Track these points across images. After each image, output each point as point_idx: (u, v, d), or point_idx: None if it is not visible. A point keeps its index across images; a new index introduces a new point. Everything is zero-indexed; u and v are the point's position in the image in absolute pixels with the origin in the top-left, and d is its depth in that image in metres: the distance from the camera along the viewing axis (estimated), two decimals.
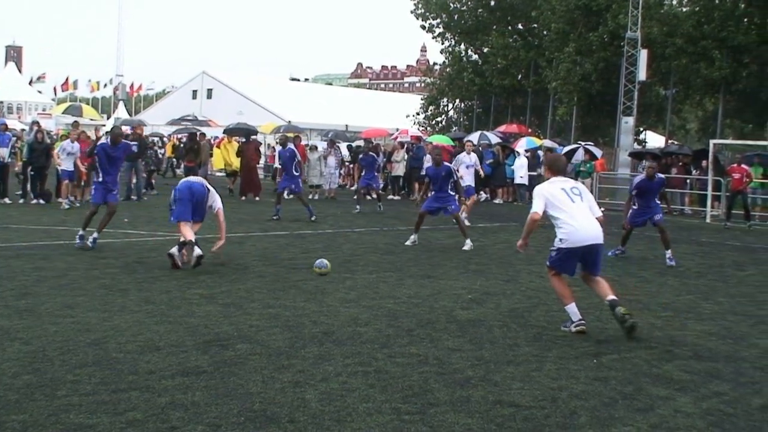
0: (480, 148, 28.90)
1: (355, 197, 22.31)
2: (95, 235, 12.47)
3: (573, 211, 7.91)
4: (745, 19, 31.81)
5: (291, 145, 19.54)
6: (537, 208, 8.03)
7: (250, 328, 7.51)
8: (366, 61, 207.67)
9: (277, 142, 28.54)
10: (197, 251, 10.74)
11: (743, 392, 6.10)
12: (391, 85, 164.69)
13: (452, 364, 6.52)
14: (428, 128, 44.01)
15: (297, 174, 18.95)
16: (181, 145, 32.84)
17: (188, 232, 10.86)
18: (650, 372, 6.55)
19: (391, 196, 27.25)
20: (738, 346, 7.63)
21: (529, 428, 5.11)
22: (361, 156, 23.02)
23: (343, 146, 32.57)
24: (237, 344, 6.88)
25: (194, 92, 62.12)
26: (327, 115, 50.95)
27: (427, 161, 28.14)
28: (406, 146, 30.01)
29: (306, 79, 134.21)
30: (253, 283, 9.97)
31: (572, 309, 7.91)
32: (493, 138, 32.04)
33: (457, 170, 18.18)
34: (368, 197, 23.76)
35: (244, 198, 24.42)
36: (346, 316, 8.19)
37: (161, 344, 6.81)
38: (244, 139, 27.33)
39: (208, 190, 11.39)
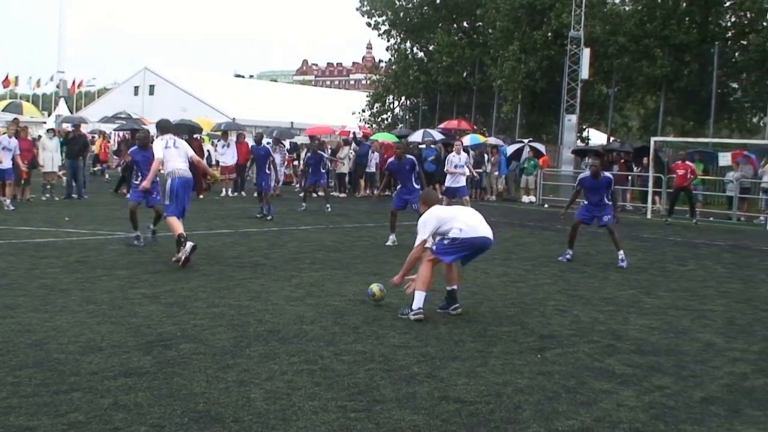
0: (424, 146, 29.12)
1: (302, 194, 22.27)
2: (152, 226, 13.29)
3: (465, 216, 8.54)
4: (687, 18, 32.35)
5: (266, 143, 19.73)
6: (424, 236, 8.41)
7: (193, 327, 7.43)
8: (311, 58, 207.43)
9: (219, 140, 28.39)
10: (190, 243, 11.00)
11: (685, 385, 6.20)
12: (336, 83, 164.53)
13: (398, 361, 6.53)
14: (374, 125, 44.03)
15: (269, 173, 19.17)
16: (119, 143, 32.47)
17: (179, 226, 11.31)
18: (593, 366, 6.64)
19: (335, 194, 27.18)
20: (679, 340, 7.76)
21: (474, 423, 5.14)
22: (308, 155, 22.92)
23: (287, 144, 32.48)
24: (180, 344, 6.80)
25: (136, 88, 61.28)
26: (272, 112, 50.61)
27: (374, 158, 28.38)
28: (350, 143, 30.03)
29: (251, 76, 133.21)
30: (197, 282, 9.87)
31: (421, 297, 8.23)
32: (437, 135, 32.20)
33: (446, 170, 18.33)
34: (314, 195, 23.66)
35: (201, 196, 24.17)
36: (291, 315, 8.15)
37: (103, 345, 6.71)
38: (186, 137, 27.00)
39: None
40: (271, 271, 10.88)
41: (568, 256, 13.40)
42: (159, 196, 13.04)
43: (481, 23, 41.34)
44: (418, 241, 8.41)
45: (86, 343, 6.72)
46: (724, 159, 25.47)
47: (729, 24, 33.19)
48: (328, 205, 20.96)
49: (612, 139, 35.19)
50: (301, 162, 28.53)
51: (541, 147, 31.08)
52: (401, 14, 43.51)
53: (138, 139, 14.25)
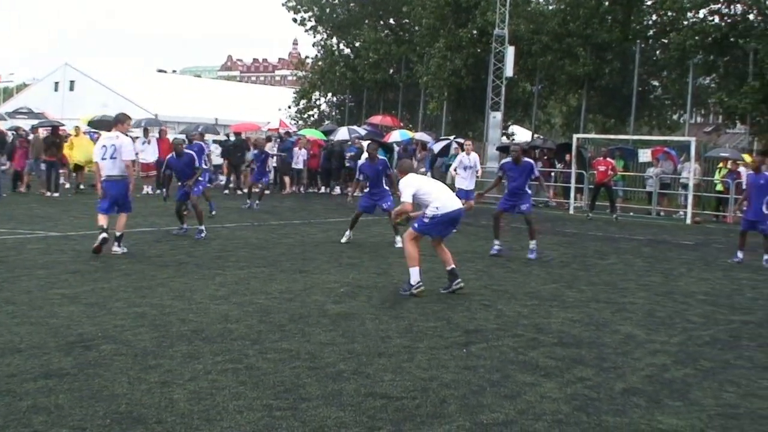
0: (349, 143, 29.16)
1: (246, 191, 22.11)
2: (200, 227, 14.35)
3: (438, 192, 9.73)
4: (609, 17, 33.00)
5: (199, 142, 19.61)
6: (407, 198, 9.56)
7: (115, 328, 7.28)
8: (236, 54, 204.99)
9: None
10: (104, 235, 11.56)
11: (606, 377, 6.32)
12: (262, 78, 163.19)
13: (324, 358, 6.50)
14: (300, 122, 43.85)
15: (206, 167, 19.10)
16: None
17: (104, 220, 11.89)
18: (517, 359, 6.71)
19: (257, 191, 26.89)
20: (600, 333, 7.90)
21: (400, 419, 5.14)
22: (256, 152, 22.67)
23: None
24: (101, 345, 6.65)
25: (56, 84, 59.78)
26: (196, 108, 49.92)
27: (301, 155, 28.24)
28: (272, 140, 29.84)
29: (174, 71, 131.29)
30: (118, 281, 9.67)
31: (416, 272, 9.44)
32: (362, 132, 32.28)
33: (455, 171, 17.80)
34: (238, 192, 23.44)
35: None
36: (215, 314, 8.05)
37: (22, 346, 6.52)
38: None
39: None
40: (195, 270, 10.72)
41: (496, 248, 13.59)
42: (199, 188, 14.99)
43: (407, 20, 41.49)
44: (404, 200, 9.56)
45: (4, 345, 6.53)
46: (644, 155, 26.07)
47: (650, 23, 33.96)
48: (258, 202, 20.75)
49: (536, 135, 35.69)
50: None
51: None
52: (327, 10, 43.44)
53: (175, 146, 15.26)
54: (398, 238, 13.61)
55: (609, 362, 6.77)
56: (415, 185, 9.58)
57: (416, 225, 9.66)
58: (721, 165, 24.76)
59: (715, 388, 6.15)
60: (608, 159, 22.84)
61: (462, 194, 16.68)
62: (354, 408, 5.30)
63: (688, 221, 22.53)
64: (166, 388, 5.58)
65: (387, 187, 14.63)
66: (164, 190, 21.09)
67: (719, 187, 24.43)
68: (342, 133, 32.29)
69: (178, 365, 6.14)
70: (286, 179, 28.72)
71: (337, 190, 28.77)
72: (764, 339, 7.95)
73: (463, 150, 18.65)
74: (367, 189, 14.80)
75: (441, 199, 9.61)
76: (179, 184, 15.01)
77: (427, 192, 9.61)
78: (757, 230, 13.76)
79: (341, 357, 6.56)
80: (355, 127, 33.73)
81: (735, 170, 23.91)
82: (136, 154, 21.91)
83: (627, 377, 6.34)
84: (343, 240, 14.37)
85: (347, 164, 27.91)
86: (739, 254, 14.01)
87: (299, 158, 28.59)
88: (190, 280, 9.86)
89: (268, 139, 29.34)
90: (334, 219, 18.94)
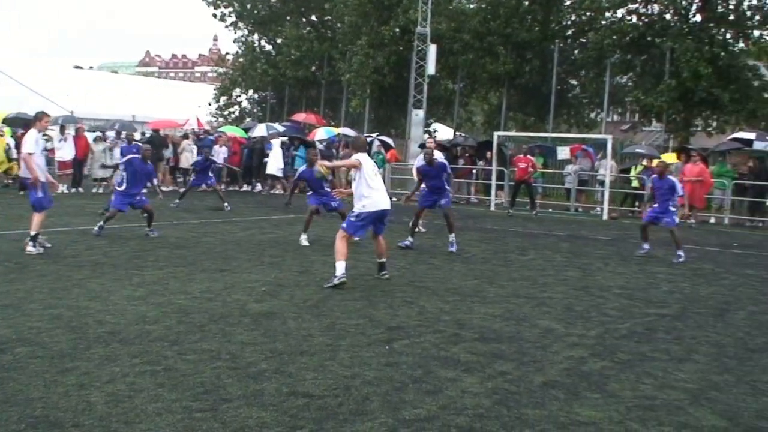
0: (267, 140, 29.04)
1: (181, 191, 21.77)
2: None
3: (375, 184, 10.23)
4: (529, 17, 33.49)
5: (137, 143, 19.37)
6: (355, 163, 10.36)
7: (29, 330, 7.08)
8: (155, 50, 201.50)
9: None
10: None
11: (526, 371, 6.41)
12: (181, 75, 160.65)
13: (245, 358, 6.44)
14: (220, 119, 43.37)
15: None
16: None
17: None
18: (439, 355, 6.76)
19: (173, 188, 26.46)
20: (521, 327, 8.01)
21: (322, 417, 5.12)
22: (199, 158, 22.35)
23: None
24: (16, 348, 6.47)
25: None
26: (113, 105, 48.91)
27: (221, 152, 27.92)
28: (188, 137, 29.46)
29: (90, 67, 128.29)
30: (32, 282, 9.41)
31: (342, 266, 9.82)
32: (280, 129, 32.20)
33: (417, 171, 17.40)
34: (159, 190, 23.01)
35: (23, 193, 23.03)
36: (133, 315, 7.90)
37: None
38: (22, 131, 25.70)
39: None
40: (112, 270, 10.50)
41: (408, 242, 13.99)
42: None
43: (329, 17, 41.40)
44: (353, 159, 10.43)
45: None
46: (563, 153, 26.53)
47: (569, 23, 34.58)
48: (178, 201, 20.43)
49: (458, 133, 36.00)
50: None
51: (389, 141, 31.42)
52: (249, 6, 43.00)
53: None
54: (303, 236, 14.19)
55: (529, 356, 6.86)
56: (366, 163, 10.30)
57: (345, 225, 10.29)
58: (645, 163, 25.34)
59: (632, 380, 6.29)
60: (528, 156, 23.18)
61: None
62: (275, 408, 5.27)
63: (605, 217, 23.02)
64: (84, 390, 5.46)
65: (328, 189, 14.61)
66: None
67: (635, 184, 25.03)
68: (260, 130, 32.08)
69: (96, 367, 6.01)
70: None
71: (258, 187, 28.56)
72: (679, 331, 8.16)
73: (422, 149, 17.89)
74: (310, 192, 14.84)
75: (372, 198, 10.17)
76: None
77: (369, 178, 10.21)
78: (660, 224, 14.25)
79: (263, 356, 6.51)
80: (273, 124, 33.53)
81: (650, 167, 24.52)
82: (49, 150, 21.29)
83: (546, 370, 6.44)
84: (304, 243, 14.05)
85: (266, 161, 27.89)
86: (645, 246, 14.48)
87: (219, 156, 28.26)
88: (106, 281, 9.66)
89: (185, 136, 28.88)
90: (256, 217, 18.80)
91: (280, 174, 27.39)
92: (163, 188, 20.74)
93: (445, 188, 14.18)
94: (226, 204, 20.17)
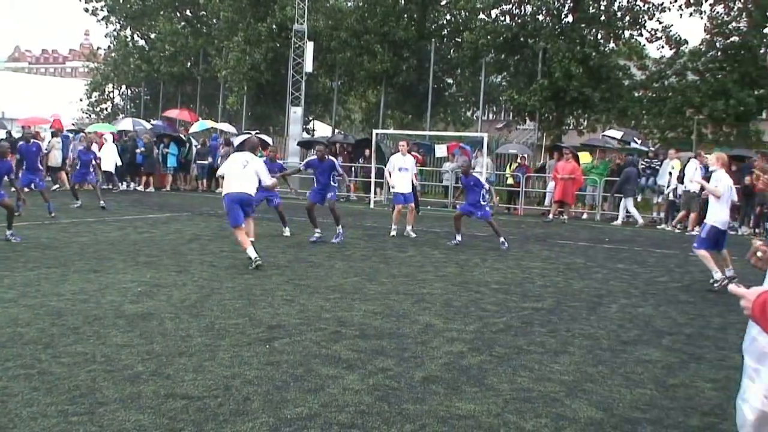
0: (136, 137, 28.48)
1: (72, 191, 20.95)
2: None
3: (238, 175, 11.66)
4: (405, 16, 33.85)
5: (35, 140, 19.16)
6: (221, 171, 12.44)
7: None
8: (24, 44, 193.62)
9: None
10: None
11: (406, 366, 6.47)
12: (52, 70, 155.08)
13: (122, 361, 6.27)
14: (92, 115, 42.10)
15: (41, 169, 18.77)
16: None
17: None
18: (320, 353, 6.75)
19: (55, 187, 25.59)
20: (401, 323, 8.08)
21: (201, 419, 5.04)
22: (80, 150, 21.53)
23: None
24: None
25: None
26: None
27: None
28: (57, 135, 28.46)
29: None
30: None
31: (251, 251, 11.30)
32: (147, 126, 31.71)
33: (390, 173, 17.16)
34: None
35: None
36: (4, 317, 7.57)
37: None
38: None
39: None
40: None
41: (316, 236, 14.76)
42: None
43: (204, 12, 40.77)
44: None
45: None
46: (440, 150, 26.94)
47: (444, 22, 35.13)
48: (77, 202, 19.76)
49: (336, 131, 36.05)
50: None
51: (268, 139, 31.20)
52: (121, 0, 41.89)
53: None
54: (286, 229, 15.61)
55: (409, 352, 6.93)
56: (227, 160, 12.31)
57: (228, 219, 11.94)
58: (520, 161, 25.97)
59: (510, 373, 6.43)
60: (414, 153, 23.41)
61: (399, 198, 16.76)
62: (154, 410, 5.15)
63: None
64: None
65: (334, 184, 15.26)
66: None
67: (510, 181, 25.66)
68: (125, 124, 31.37)
69: None
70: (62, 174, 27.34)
71: (132, 186, 27.86)
72: (554, 325, 8.40)
73: (398, 150, 17.57)
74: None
75: (228, 185, 11.75)
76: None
77: (227, 172, 11.89)
78: (476, 217, 15.24)
79: (139, 358, 6.36)
80: (140, 120, 32.88)
81: (524, 165, 25.20)
82: None
83: (426, 366, 6.52)
84: (286, 234, 15.43)
85: (137, 160, 27.41)
86: (458, 237, 15.46)
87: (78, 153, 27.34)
88: None
89: (54, 134, 27.73)
90: (131, 216, 18.33)
91: (112, 170, 26.23)
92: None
93: (331, 185, 15.03)
94: (102, 202, 19.61)
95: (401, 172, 16.83)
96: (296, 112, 31.26)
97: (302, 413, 5.21)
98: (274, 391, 5.66)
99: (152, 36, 42.25)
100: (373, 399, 5.58)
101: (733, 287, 2.49)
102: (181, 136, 29.76)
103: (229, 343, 6.98)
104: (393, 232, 16.42)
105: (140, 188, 27.70)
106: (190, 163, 29.35)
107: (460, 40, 33.40)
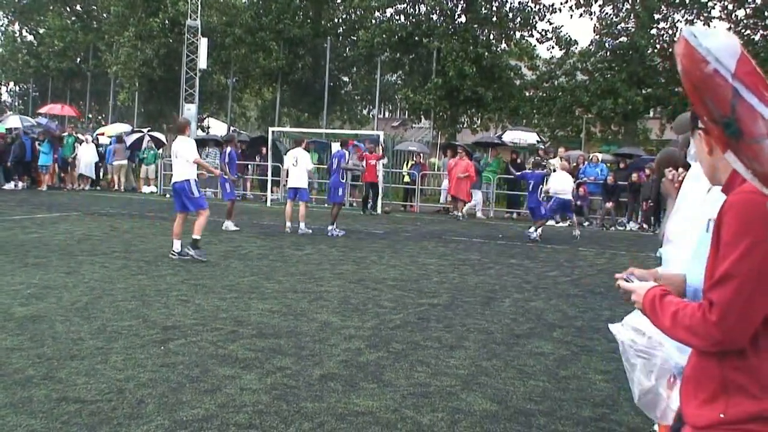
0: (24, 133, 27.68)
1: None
2: None
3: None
4: (300, 13, 33.77)
5: None
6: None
7: None
8: None
9: None
10: None
11: (305, 365, 6.48)
12: None
13: (11, 365, 6.09)
14: None
15: None
16: None
17: None
18: (216, 353, 6.70)
19: None
20: (298, 322, 8.09)
21: (95, 423, 4.95)
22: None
23: None
24: None
25: None
26: None
27: None
28: None
29: None
30: None
31: (177, 243, 12.14)
32: (33, 122, 30.87)
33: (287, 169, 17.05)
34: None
35: None
36: None
37: None
38: None
39: None
40: None
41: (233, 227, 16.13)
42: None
43: (95, 7, 39.79)
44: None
45: None
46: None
47: (340, 20, 35.20)
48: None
49: (231, 128, 35.73)
50: None
51: (161, 136, 30.69)
52: None
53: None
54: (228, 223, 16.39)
55: (307, 350, 6.95)
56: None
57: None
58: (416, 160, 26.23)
59: (407, 368, 6.52)
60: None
61: (290, 194, 16.95)
62: (46, 414, 5.03)
63: (378, 211, 23.64)
64: None
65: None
66: None
67: (406, 179, 25.91)
68: (12, 121, 30.39)
69: None
70: None
71: (20, 185, 26.90)
72: (450, 320, 8.54)
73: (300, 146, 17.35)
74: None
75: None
76: None
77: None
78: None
79: (30, 362, 6.18)
80: (27, 117, 31.92)
81: (420, 162, 25.49)
82: None
83: (324, 363, 6.55)
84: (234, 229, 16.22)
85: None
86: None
87: None
88: None
89: None
90: (19, 216, 17.75)
91: None
92: None
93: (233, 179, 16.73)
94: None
95: (294, 167, 16.81)
96: (190, 110, 30.83)
97: (198, 414, 5.17)
98: (170, 393, 5.60)
99: (41, 31, 41.03)
100: (271, 398, 5.58)
101: (623, 282, 2.60)
102: (62, 134, 28.79)
103: (122, 345, 6.85)
104: (287, 229, 16.63)
105: (43, 189, 26.76)
106: (74, 161, 28.39)
107: (355, 38, 33.58)
